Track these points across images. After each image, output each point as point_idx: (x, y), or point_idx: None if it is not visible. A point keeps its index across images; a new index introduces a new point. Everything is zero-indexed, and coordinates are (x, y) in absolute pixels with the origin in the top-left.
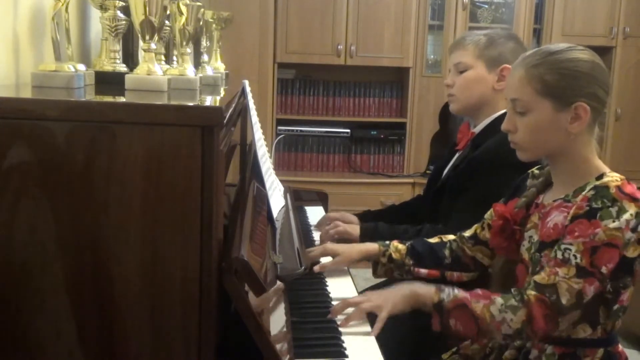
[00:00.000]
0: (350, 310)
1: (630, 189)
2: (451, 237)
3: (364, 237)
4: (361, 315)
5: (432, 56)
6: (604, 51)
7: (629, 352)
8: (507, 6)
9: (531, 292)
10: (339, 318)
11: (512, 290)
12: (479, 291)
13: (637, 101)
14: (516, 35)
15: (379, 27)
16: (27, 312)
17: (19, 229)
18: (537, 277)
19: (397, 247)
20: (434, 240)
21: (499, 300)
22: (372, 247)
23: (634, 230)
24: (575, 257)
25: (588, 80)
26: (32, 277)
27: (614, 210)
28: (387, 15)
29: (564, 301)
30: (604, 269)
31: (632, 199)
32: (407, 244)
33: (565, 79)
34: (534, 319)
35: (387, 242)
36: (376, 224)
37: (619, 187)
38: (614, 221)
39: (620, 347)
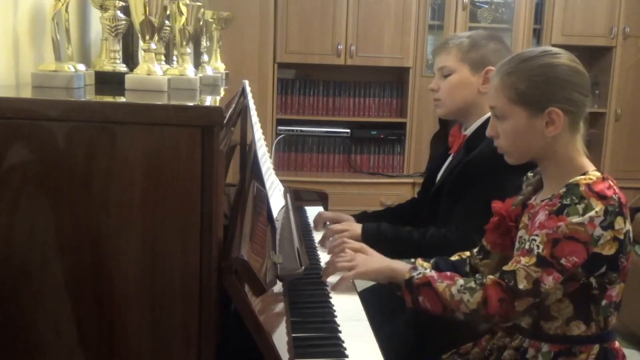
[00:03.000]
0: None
1: (600, 187)
2: (468, 253)
3: (366, 238)
4: (335, 271)
5: (432, 56)
6: (604, 51)
7: (629, 352)
8: (507, 6)
9: (490, 277)
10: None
11: (477, 275)
12: (447, 273)
13: (637, 101)
14: (498, 36)
15: (379, 27)
16: (27, 312)
17: (19, 229)
18: (505, 266)
19: (422, 265)
20: (454, 257)
21: (460, 281)
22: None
23: (606, 228)
24: (538, 247)
25: (561, 85)
26: (32, 277)
27: (580, 207)
28: (387, 15)
29: (520, 286)
30: (563, 261)
31: (600, 196)
32: (431, 262)
33: (536, 85)
34: (489, 301)
35: (413, 260)
36: (379, 224)
37: (588, 185)
38: (578, 217)
39: (617, 343)
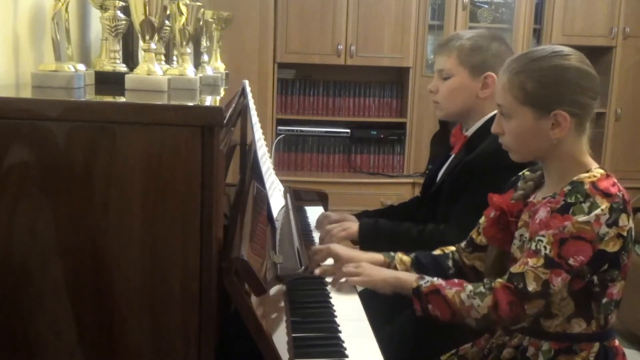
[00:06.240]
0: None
1: (604, 184)
2: (452, 248)
3: (364, 234)
4: (342, 275)
5: (432, 56)
6: (604, 51)
7: (629, 352)
8: (507, 6)
9: (498, 280)
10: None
11: (484, 279)
12: (455, 280)
13: (637, 101)
14: (500, 36)
15: (379, 27)
16: (27, 312)
17: (18, 229)
18: (512, 268)
19: (401, 258)
20: (437, 252)
21: (469, 287)
22: (377, 257)
23: (610, 225)
24: (545, 248)
25: (569, 88)
26: (32, 277)
27: (586, 205)
28: (387, 15)
29: (530, 288)
30: (571, 261)
31: (605, 194)
32: (411, 256)
33: (545, 87)
34: (499, 305)
35: (392, 253)
36: (376, 220)
37: (593, 183)
38: (584, 215)
39: (616, 342)
